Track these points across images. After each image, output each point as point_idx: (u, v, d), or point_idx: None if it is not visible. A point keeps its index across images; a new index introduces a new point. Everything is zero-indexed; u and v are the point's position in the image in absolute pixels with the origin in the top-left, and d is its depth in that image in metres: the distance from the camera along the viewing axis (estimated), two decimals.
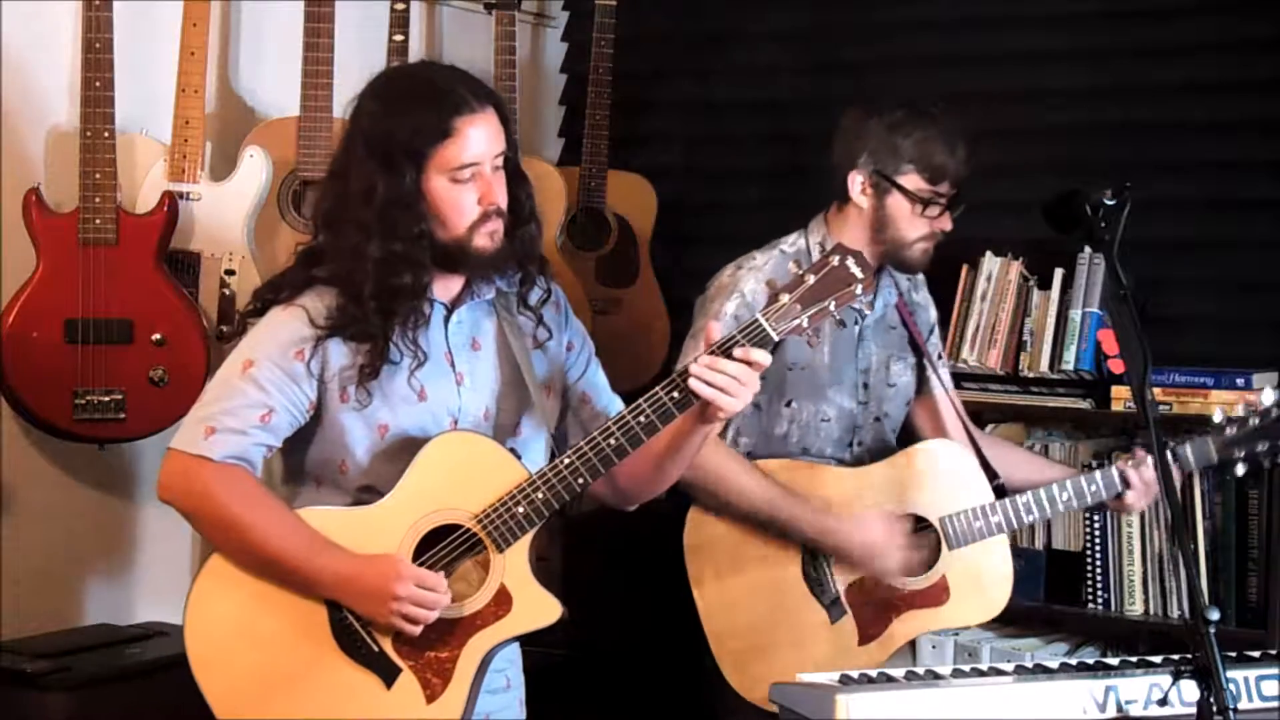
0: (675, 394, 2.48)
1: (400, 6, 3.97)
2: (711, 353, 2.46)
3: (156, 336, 3.53)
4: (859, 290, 2.49)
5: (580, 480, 2.51)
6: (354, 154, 2.57)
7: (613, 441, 2.50)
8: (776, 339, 2.47)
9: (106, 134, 3.45)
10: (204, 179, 3.66)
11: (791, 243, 3.24)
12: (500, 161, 2.58)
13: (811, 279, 2.48)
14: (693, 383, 2.44)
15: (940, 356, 3.45)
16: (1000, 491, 3.17)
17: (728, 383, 2.44)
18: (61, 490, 3.68)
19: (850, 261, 2.49)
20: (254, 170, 3.72)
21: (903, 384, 3.33)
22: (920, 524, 3.16)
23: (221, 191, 3.69)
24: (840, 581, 3.13)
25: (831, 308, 2.49)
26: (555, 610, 2.55)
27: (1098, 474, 3.15)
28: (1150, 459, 3.09)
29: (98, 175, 3.45)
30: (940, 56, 4.25)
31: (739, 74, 4.60)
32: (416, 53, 4.26)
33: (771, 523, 3.09)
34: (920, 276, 3.40)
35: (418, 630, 2.50)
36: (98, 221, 3.46)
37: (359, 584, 2.49)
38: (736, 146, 4.62)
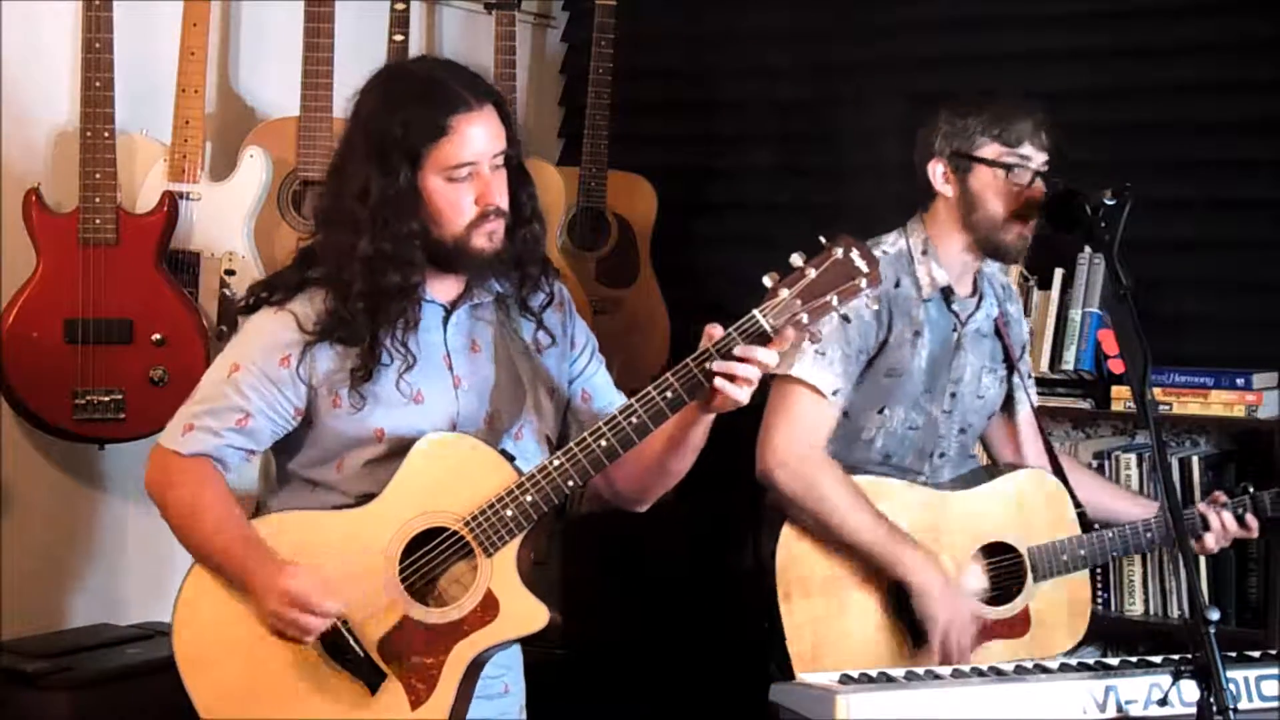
0: (668, 394, 2.40)
1: (400, 6, 3.97)
2: (717, 349, 2.38)
3: (156, 336, 3.53)
4: (864, 285, 2.36)
5: (570, 482, 2.46)
6: (351, 151, 2.54)
7: (604, 443, 2.43)
8: (774, 336, 2.37)
9: (106, 134, 3.45)
10: (204, 179, 3.66)
11: (892, 242, 3.11)
12: (500, 160, 2.53)
13: (813, 273, 2.35)
14: (704, 377, 2.37)
15: (1029, 375, 3.33)
16: (1083, 519, 3.13)
17: (744, 370, 2.37)
18: (61, 490, 3.68)
19: (855, 254, 2.36)
20: (254, 170, 3.72)
21: (990, 397, 3.22)
22: (1007, 553, 3.10)
23: (221, 191, 3.70)
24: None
25: (834, 303, 2.36)
26: (543, 617, 2.49)
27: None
28: (1229, 503, 3.14)
29: (98, 175, 3.45)
30: (940, 56, 4.25)
31: (739, 74, 4.60)
32: (416, 52, 4.25)
33: (871, 560, 3.01)
34: (1014, 287, 3.32)
35: (308, 640, 2.47)
36: (98, 221, 3.46)
37: (255, 588, 2.48)
38: (736, 146, 4.62)
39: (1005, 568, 3.11)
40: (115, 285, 3.48)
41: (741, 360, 2.36)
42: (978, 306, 3.16)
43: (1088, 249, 3.90)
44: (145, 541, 3.77)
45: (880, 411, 3.09)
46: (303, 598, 2.44)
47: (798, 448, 3.01)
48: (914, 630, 3.02)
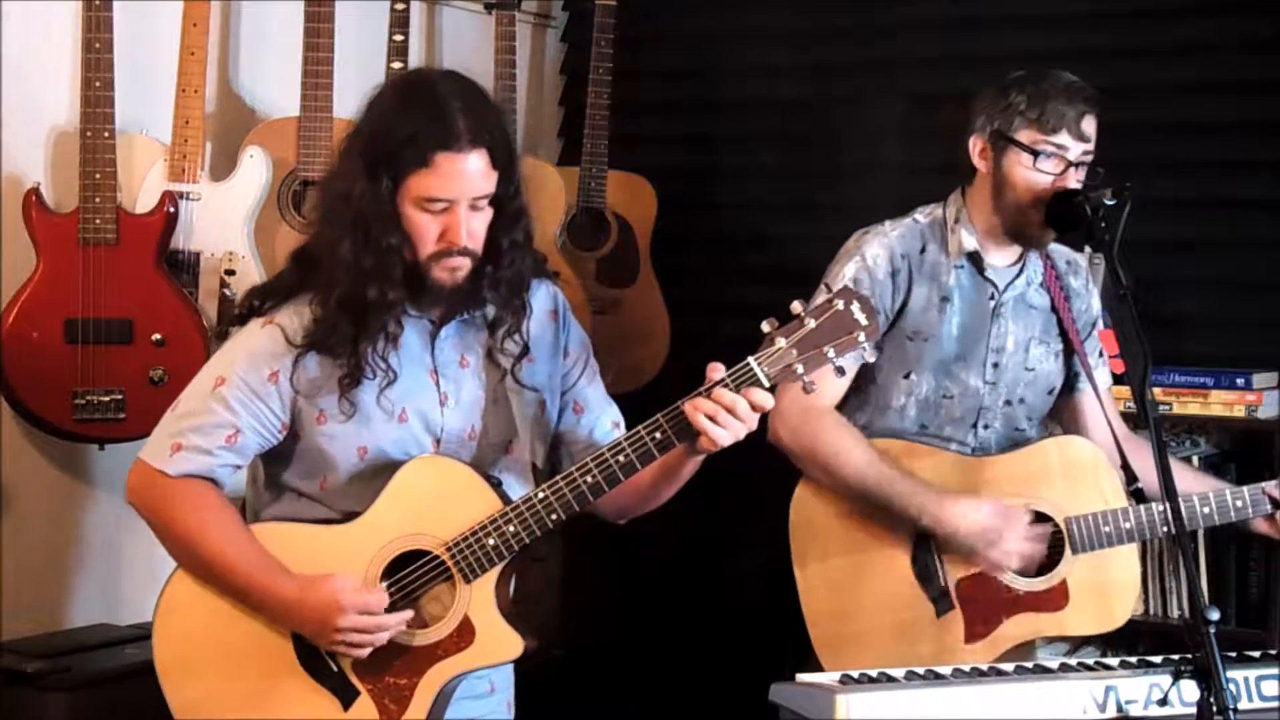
0: (657, 434, 2.41)
1: (400, 6, 3.96)
2: (706, 393, 2.38)
3: (156, 336, 3.53)
4: (862, 338, 2.37)
5: (554, 516, 2.46)
6: (349, 151, 2.53)
7: (590, 479, 2.45)
8: (768, 385, 2.38)
9: (106, 134, 3.46)
10: (204, 179, 3.66)
11: (928, 212, 3.11)
12: (483, 203, 2.49)
13: (811, 323, 2.36)
14: (687, 410, 2.38)
15: (1101, 354, 3.23)
16: (1139, 496, 2.94)
17: (721, 415, 2.38)
18: (61, 490, 3.68)
19: (855, 306, 2.37)
20: (254, 170, 3.72)
21: (1043, 371, 3.15)
22: (1045, 523, 3.00)
23: (221, 191, 3.69)
24: (951, 574, 2.99)
25: (830, 355, 2.37)
26: (517, 647, 2.51)
27: (1245, 489, 3.03)
28: None
29: (98, 175, 3.45)
30: (940, 56, 4.25)
31: (739, 74, 4.60)
32: (416, 52, 4.26)
33: (882, 503, 2.96)
34: (1082, 263, 3.24)
35: (363, 654, 2.48)
36: (98, 221, 3.46)
37: (302, 610, 2.47)
38: (736, 146, 4.62)
39: (1041, 537, 3.01)
40: (115, 285, 3.48)
41: (728, 408, 2.37)
42: (1019, 275, 3.11)
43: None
44: (145, 541, 3.73)
45: (907, 377, 3.07)
46: (370, 607, 2.45)
47: (802, 403, 2.97)
48: (937, 599, 2.99)
